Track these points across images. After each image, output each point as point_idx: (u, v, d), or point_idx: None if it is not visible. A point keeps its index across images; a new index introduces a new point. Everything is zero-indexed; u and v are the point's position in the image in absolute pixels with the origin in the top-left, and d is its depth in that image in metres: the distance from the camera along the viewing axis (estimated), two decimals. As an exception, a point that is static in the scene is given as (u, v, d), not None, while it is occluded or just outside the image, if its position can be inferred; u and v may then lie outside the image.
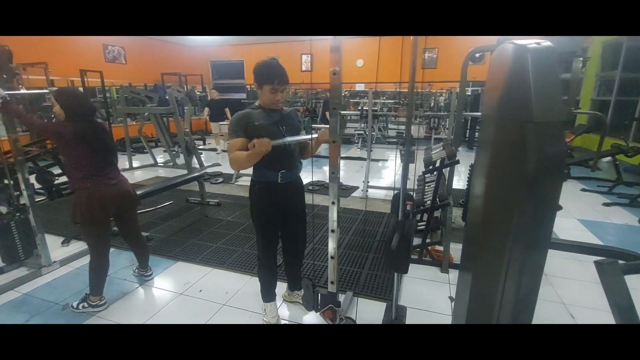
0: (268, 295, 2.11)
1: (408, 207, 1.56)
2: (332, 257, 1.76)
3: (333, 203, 1.67)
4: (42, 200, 4.42)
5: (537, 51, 0.95)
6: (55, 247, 3.10)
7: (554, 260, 2.73)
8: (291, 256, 2.14)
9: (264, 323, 2.07)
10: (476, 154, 1.39)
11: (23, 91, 2.15)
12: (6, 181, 3.01)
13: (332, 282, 1.80)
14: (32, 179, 4.58)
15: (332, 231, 1.71)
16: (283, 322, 2.12)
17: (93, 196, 2.04)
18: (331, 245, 1.74)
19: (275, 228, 1.95)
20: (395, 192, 2.78)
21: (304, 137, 1.86)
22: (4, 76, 2.20)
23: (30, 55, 6.93)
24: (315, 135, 1.88)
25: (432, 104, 11.58)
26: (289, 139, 1.77)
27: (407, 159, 1.59)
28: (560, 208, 2.72)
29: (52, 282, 2.58)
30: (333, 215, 1.69)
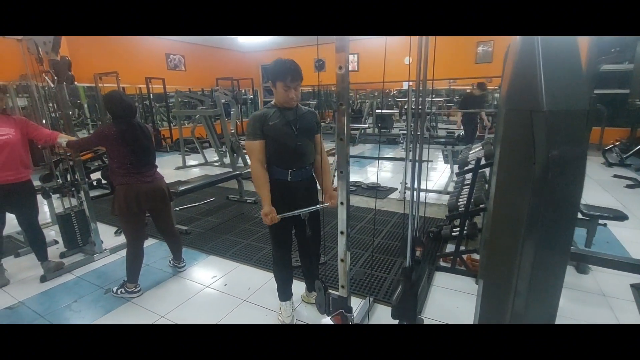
0: (284, 294, 2.10)
1: (417, 254, 1.44)
2: (342, 260, 1.69)
3: (342, 203, 1.60)
4: (106, 193, 4.95)
5: (547, 29, 0.81)
6: (109, 236, 3.44)
7: (615, 279, 2.33)
8: (306, 256, 2.11)
9: (279, 322, 2.07)
10: (495, 151, 1.24)
11: (83, 136, 2.74)
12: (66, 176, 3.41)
13: (342, 286, 1.73)
14: (99, 174, 5.19)
15: (342, 233, 1.64)
16: (298, 322, 2.10)
17: (130, 192, 2.22)
18: (341, 248, 1.67)
19: (286, 226, 1.93)
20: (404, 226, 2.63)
21: (314, 207, 1.85)
22: (64, 83, 2.45)
23: (105, 65, 7.82)
24: (326, 204, 1.86)
25: (489, 101, 10.75)
26: (297, 211, 1.78)
27: (415, 176, 1.47)
28: (625, 217, 2.32)
29: (101, 268, 2.85)
30: (342, 216, 1.62)
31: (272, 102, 1.84)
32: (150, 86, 8.79)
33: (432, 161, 6.56)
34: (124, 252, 3.09)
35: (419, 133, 1.89)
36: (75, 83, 6.50)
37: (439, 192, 4.31)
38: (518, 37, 0.88)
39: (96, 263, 2.92)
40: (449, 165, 4.80)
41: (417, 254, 1.50)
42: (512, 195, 0.92)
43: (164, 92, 9.09)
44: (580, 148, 0.79)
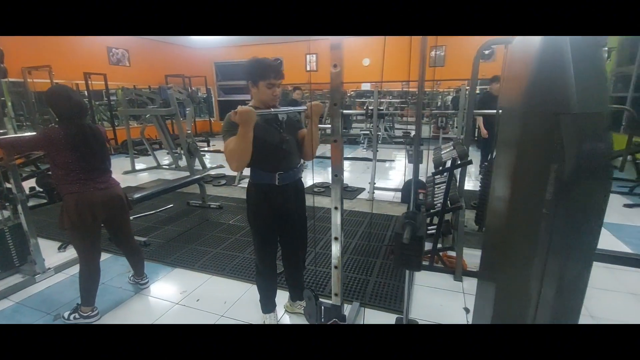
0: (267, 305, 1.98)
1: (420, 197, 1.40)
2: (335, 267, 1.61)
3: (336, 208, 1.53)
4: (43, 203, 4.36)
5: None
6: (52, 252, 3.01)
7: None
8: (292, 263, 2.00)
9: (264, 336, 1.93)
10: (496, 152, 1.24)
11: (12, 135, 2.15)
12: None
13: (335, 294, 1.66)
14: (33, 182, 4.56)
15: (336, 239, 1.57)
16: (284, 335, 1.98)
17: (82, 200, 1.93)
18: (335, 254, 1.60)
19: (273, 233, 1.81)
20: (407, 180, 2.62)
21: (293, 108, 1.71)
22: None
23: (35, 58, 6.92)
24: (304, 107, 1.70)
25: (439, 103, 11.36)
26: (277, 110, 1.62)
27: (417, 151, 1.44)
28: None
29: (46, 290, 2.48)
30: (336, 221, 1.55)
31: (251, 104, 1.71)
32: (89, 82, 7.97)
33: (392, 160, 6.75)
34: (72, 270, 2.74)
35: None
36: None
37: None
38: (538, 37, 0.87)
39: (39, 285, 2.53)
40: (411, 165, 4.93)
41: (420, 196, 1.46)
42: (534, 199, 0.91)
43: (105, 89, 8.30)
44: (607, 150, 0.80)
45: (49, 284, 2.55)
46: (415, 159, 1.41)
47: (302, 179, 1.86)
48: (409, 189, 1.43)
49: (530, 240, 0.92)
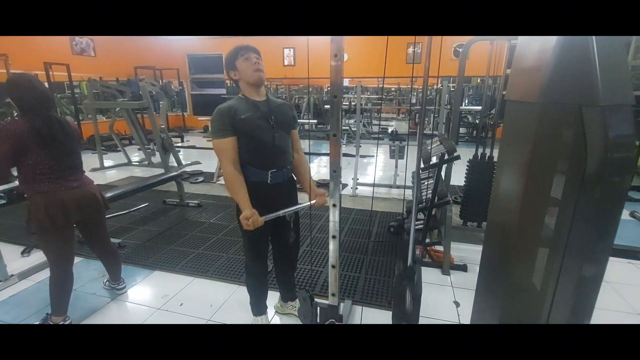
0: (258, 307, 1.89)
1: (417, 252, 1.39)
2: (333, 266, 1.56)
3: (334, 205, 1.47)
4: (1, 204, 4.01)
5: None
6: (14, 257, 2.77)
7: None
8: (283, 262, 1.93)
9: (255, 340, 1.85)
10: (501, 146, 1.22)
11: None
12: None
13: (333, 294, 1.61)
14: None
15: (334, 237, 1.51)
16: (276, 337, 1.91)
17: (52, 200, 1.76)
18: (332, 253, 1.54)
19: (264, 232, 1.72)
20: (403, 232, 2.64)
21: (300, 206, 1.66)
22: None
23: (-13, 46, 6.35)
24: (313, 201, 1.68)
25: (413, 100, 11.56)
26: (282, 211, 1.57)
27: (417, 195, 1.40)
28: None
29: (9, 300, 2.26)
30: (334, 218, 1.49)
31: (241, 94, 1.62)
32: (50, 73, 7.40)
33: (372, 156, 6.77)
34: (38, 276, 2.53)
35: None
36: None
37: (389, 186, 4.44)
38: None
39: (0, 294, 2.30)
40: (393, 160, 4.95)
41: (417, 252, 1.44)
42: (549, 195, 0.89)
43: (69, 80, 7.74)
44: (632, 143, 0.79)
45: (13, 292, 2.33)
46: (414, 203, 1.38)
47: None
48: (404, 244, 1.41)
49: (546, 238, 0.90)
